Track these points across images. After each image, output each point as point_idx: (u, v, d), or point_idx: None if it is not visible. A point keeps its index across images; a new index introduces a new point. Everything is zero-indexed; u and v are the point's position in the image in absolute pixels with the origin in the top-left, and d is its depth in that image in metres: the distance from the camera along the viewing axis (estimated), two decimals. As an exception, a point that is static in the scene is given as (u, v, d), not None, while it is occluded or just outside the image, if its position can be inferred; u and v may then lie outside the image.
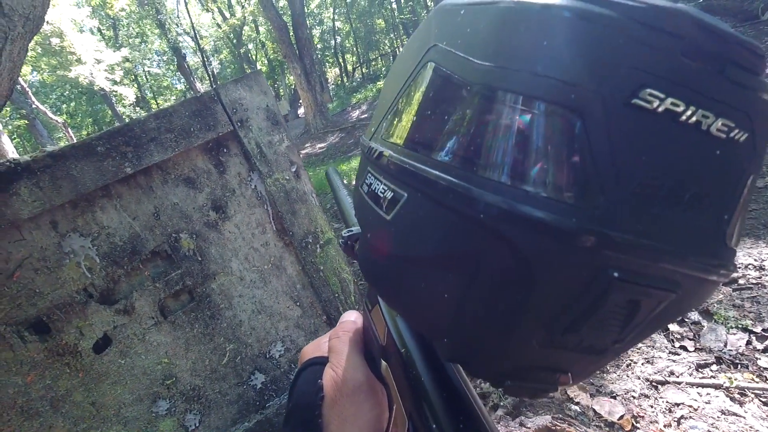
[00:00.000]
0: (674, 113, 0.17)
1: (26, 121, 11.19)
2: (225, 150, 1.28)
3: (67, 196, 1.07)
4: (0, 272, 1.05)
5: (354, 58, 24.81)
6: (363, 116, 12.53)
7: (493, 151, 0.19)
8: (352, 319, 0.41)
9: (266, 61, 23.45)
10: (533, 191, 0.18)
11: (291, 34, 11.90)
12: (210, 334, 1.33)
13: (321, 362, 0.39)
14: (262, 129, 1.30)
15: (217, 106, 1.22)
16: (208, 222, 1.28)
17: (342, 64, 24.47)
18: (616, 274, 0.18)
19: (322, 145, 10.96)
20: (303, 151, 10.82)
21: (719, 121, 0.18)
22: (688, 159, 0.18)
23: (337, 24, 22.68)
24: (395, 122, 0.27)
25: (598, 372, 1.43)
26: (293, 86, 20.50)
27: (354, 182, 0.34)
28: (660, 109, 0.17)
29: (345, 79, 23.68)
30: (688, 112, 0.18)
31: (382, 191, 0.26)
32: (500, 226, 0.19)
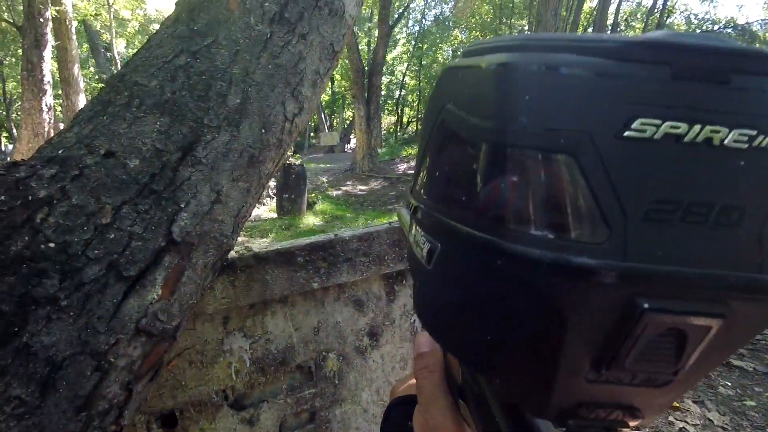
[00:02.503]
0: (676, 135, 0.17)
1: (103, 85, 11.66)
2: (401, 279, 1.21)
3: (253, 299, 1.00)
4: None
5: (412, 113, 25.66)
6: (409, 171, 12.70)
7: (501, 201, 0.19)
8: (428, 349, 0.38)
9: (331, 92, 24.40)
10: (541, 235, 0.18)
11: (365, 79, 12.40)
12: (315, 461, 1.21)
13: (410, 401, 0.38)
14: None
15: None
16: (359, 347, 1.20)
17: (399, 115, 25.29)
18: (646, 305, 0.18)
19: (364, 188, 11.04)
20: (344, 188, 10.91)
21: (734, 133, 0.18)
22: (704, 176, 0.18)
23: (406, 79, 23.68)
24: (425, 177, 0.28)
25: None
26: (348, 121, 21.18)
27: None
28: (657, 136, 0.17)
29: (398, 129, 24.37)
30: (692, 132, 0.17)
31: (423, 243, 0.27)
32: (518, 272, 0.19)
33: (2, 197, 0.55)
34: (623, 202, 0.18)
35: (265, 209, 7.09)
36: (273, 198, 6.99)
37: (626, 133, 0.17)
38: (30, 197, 0.57)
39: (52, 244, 0.57)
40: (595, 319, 0.19)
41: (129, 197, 0.63)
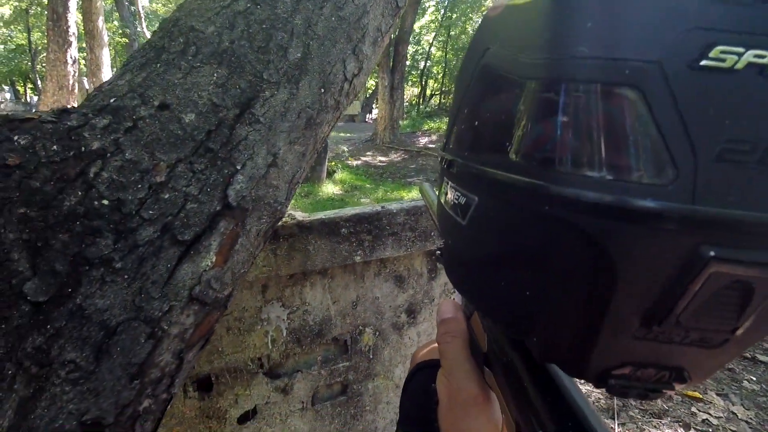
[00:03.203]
0: (761, 66, 0.15)
1: (126, 40, 11.56)
2: (444, 257, 1.16)
3: (293, 270, 0.96)
4: (200, 326, 0.95)
5: (436, 85, 24.99)
6: (430, 145, 12.47)
7: (552, 141, 0.18)
8: (451, 315, 0.38)
9: (353, 58, 23.73)
10: (599, 176, 0.17)
11: (392, 47, 12.02)
12: (344, 432, 1.20)
13: (433, 365, 0.37)
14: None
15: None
16: (396, 323, 1.16)
17: (422, 87, 24.66)
18: (712, 253, 0.16)
19: (384, 159, 10.90)
20: (364, 159, 10.79)
21: None
22: None
23: (432, 49, 22.91)
24: (462, 130, 0.27)
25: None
26: (370, 91, 20.76)
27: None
28: (738, 66, 0.15)
29: (421, 102, 23.83)
30: None
31: (457, 198, 0.26)
32: (568, 217, 0.18)
33: (55, 147, 0.50)
34: (694, 141, 0.16)
35: (285, 175, 7.06)
36: (293, 164, 6.94)
37: (702, 63, 0.16)
38: (83, 148, 0.52)
39: (105, 201, 0.52)
40: (651, 270, 0.17)
41: (184, 155, 0.58)
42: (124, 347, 0.51)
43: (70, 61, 7.06)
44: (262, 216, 0.66)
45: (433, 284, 1.17)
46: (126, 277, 0.52)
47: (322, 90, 0.72)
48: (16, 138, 0.49)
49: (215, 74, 0.62)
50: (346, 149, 11.49)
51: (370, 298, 1.11)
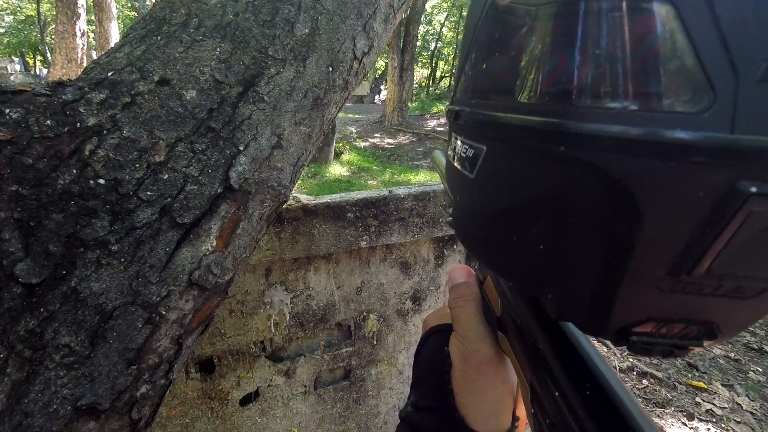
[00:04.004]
0: None
1: (135, 14, 11.42)
2: (452, 243, 1.13)
3: (297, 254, 0.94)
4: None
5: (447, 67, 24.53)
6: (439, 128, 12.32)
7: (569, 72, 0.16)
8: (463, 280, 0.37)
9: (363, 37, 23.33)
10: (622, 107, 0.15)
11: (402, 27, 11.77)
12: (346, 416, 1.20)
13: (445, 329, 0.37)
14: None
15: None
16: (400, 310, 1.15)
17: (432, 68, 24.22)
18: (753, 189, 0.14)
19: (392, 141, 10.80)
20: (372, 140, 10.70)
21: None
22: None
23: (444, 30, 22.40)
24: (469, 77, 0.26)
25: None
26: (379, 72, 20.42)
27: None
28: None
29: (431, 84, 23.45)
30: None
31: (464, 151, 0.25)
32: (587, 157, 0.16)
33: (48, 122, 0.48)
34: (735, 59, 0.14)
35: (292, 155, 7.02)
36: (301, 144, 6.89)
37: None
38: (78, 124, 0.50)
39: (101, 181, 0.50)
40: (682, 212, 0.15)
41: (185, 134, 0.55)
42: (120, 332, 0.50)
43: (78, 33, 7.00)
44: (265, 199, 0.64)
45: (439, 271, 1.15)
46: (123, 260, 0.50)
47: (331, 68, 0.68)
48: (7, 111, 0.47)
49: (218, 49, 0.59)
50: (354, 130, 11.39)
51: (375, 284, 1.09)
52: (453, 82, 0.28)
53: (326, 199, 0.94)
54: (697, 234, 0.16)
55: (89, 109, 0.51)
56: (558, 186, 0.18)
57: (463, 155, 0.25)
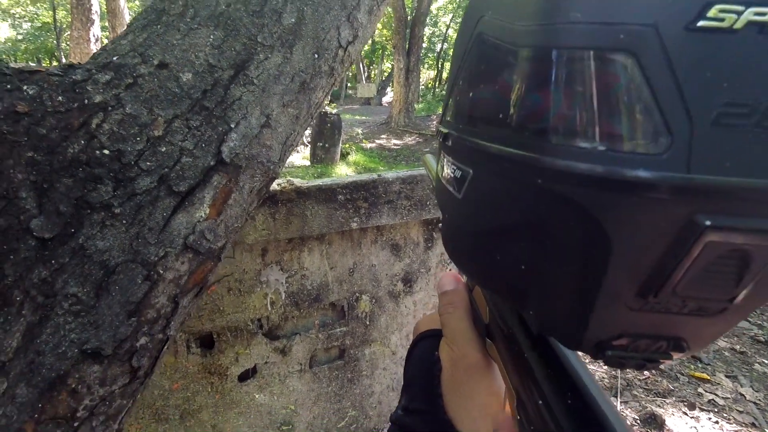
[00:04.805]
0: (761, 24, 0.15)
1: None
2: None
3: (291, 234, 1.00)
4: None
5: (454, 69, 24.47)
6: (445, 131, 12.30)
7: (544, 112, 0.18)
8: (453, 287, 0.39)
9: (371, 41, 23.57)
10: (591, 147, 0.16)
11: (408, 29, 11.85)
12: (341, 395, 1.25)
13: (435, 335, 0.39)
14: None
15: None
16: (392, 291, 1.20)
17: (438, 70, 24.29)
18: (708, 223, 0.16)
19: (398, 142, 10.86)
20: (378, 141, 10.77)
21: None
22: None
23: (449, 32, 22.47)
24: (457, 102, 0.27)
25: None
26: (386, 74, 20.54)
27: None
28: (738, 25, 0.15)
29: (437, 85, 23.51)
30: None
31: (453, 171, 0.26)
32: (561, 190, 0.17)
33: (60, 98, 0.54)
34: (690, 106, 0.15)
35: (299, 157, 7.11)
36: (307, 146, 6.98)
37: (699, 24, 0.15)
38: (86, 101, 0.56)
39: (106, 151, 0.56)
40: (646, 241, 0.17)
41: (181, 112, 0.61)
42: (122, 286, 0.56)
43: (93, 39, 7.19)
44: (255, 174, 0.69)
45: (429, 254, 1.20)
46: (124, 222, 0.56)
47: (316, 55, 0.74)
48: (25, 88, 0.53)
49: (212, 36, 0.65)
50: (360, 132, 11.47)
51: (366, 266, 1.15)
52: (444, 100, 0.31)
53: (318, 182, 1.00)
54: (662, 260, 0.17)
55: (96, 88, 0.57)
56: (537, 213, 0.20)
57: (451, 176, 0.26)
